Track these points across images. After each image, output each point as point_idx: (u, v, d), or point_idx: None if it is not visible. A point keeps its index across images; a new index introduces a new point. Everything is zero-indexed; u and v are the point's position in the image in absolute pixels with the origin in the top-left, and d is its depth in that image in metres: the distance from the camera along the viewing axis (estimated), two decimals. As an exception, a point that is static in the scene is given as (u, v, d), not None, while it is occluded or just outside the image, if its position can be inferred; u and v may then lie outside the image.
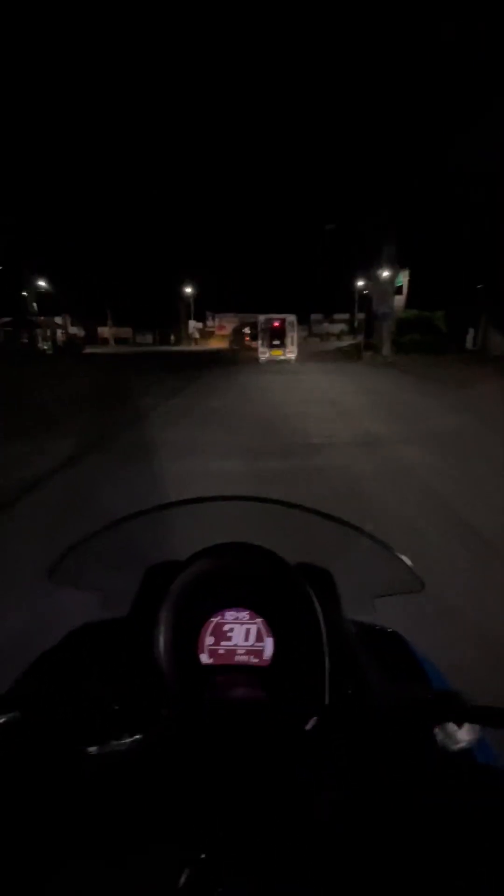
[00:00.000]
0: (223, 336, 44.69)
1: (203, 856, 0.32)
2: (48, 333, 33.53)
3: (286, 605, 0.58)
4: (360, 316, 51.36)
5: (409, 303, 31.91)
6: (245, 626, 0.61)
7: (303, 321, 26.92)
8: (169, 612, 0.55)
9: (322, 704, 0.48)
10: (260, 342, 20.21)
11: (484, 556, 2.89)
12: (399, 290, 30.34)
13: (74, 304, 46.03)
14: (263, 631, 0.61)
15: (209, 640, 0.61)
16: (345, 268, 45.01)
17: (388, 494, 4.00)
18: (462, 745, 0.44)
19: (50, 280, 38.61)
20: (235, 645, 0.60)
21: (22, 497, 3.97)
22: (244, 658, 0.60)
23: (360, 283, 47.31)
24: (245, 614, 0.61)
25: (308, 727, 0.45)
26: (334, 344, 40.77)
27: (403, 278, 30.76)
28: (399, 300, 30.30)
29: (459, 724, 0.45)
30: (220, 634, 0.61)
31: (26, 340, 31.59)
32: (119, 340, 50.49)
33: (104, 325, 51.00)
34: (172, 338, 51.77)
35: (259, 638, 0.61)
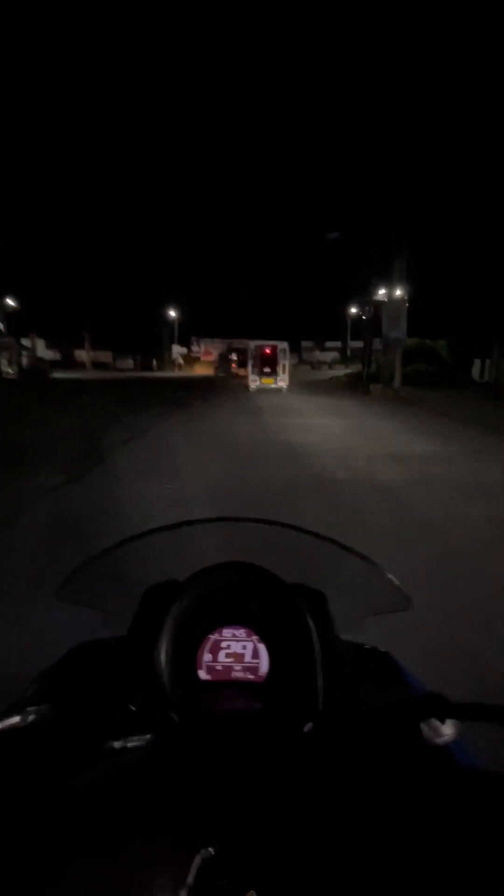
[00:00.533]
0: (209, 362, 41.77)
1: (209, 851, 0.32)
2: (12, 356, 30.06)
3: (281, 623, 0.60)
4: (356, 344, 49.31)
5: (408, 331, 29.31)
6: (241, 644, 0.63)
7: (293, 348, 24.89)
8: (169, 630, 0.58)
9: (316, 711, 0.52)
10: (250, 369, 19.43)
11: None
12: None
13: (50, 325, 42.95)
14: (259, 648, 0.63)
15: (207, 657, 0.63)
16: (337, 293, 42.93)
17: None
18: (445, 739, 0.48)
19: (21, 298, 35.40)
20: (232, 661, 0.63)
21: None
22: (241, 674, 0.63)
23: (354, 311, 45.19)
24: (242, 632, 0.64)
25: (305, 730, 0.50)
26: (327, 373, 37.92)
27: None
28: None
29: (442, 721, 0.49)
30: (217, 651, 0.63)
31: (-14, 363, 28.16)
32: (97, 365, 47.09)
33: (83, 347, 47.75)
34: (155, 363, 48.60)
35: (255, 655, 0.63)
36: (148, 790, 0.39)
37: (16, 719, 0.49)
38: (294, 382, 21.25)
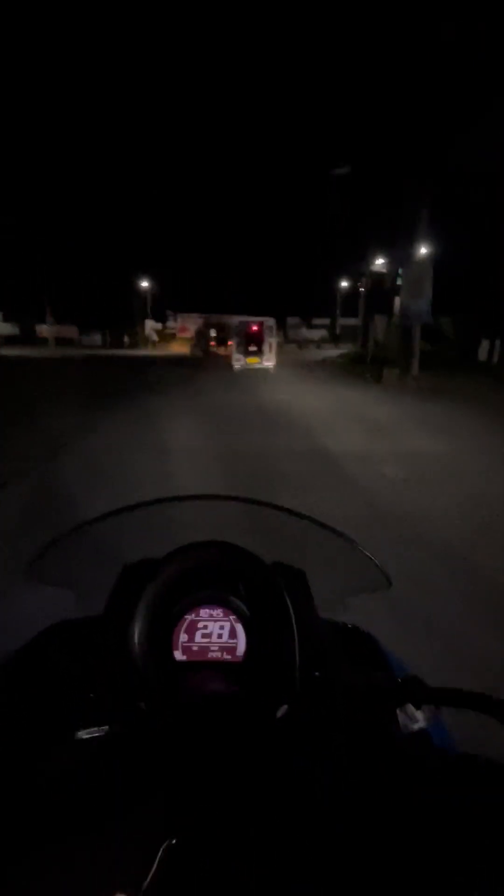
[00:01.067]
0: (186, 339, 37.54)
1: (176, 839, 0.33)
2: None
3: (260, 602, 0.59)
4: (347, 321, 45.52)
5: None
6: (219, 624, 0.62)
7: (278, 326, 21.70)
8: (144, 609, 0.57)
9: (293, 693, 0.51)
10: (235, 348, 18.33)
11: None
12: (396, 291, 24.48)
13: (8, 296, 38.07)
14: (237, 628, 0.62)
15: (183, 637, 0.62)
16: (328, 264, 38.99)
17: None
18: (421, 724, 0.49)
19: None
20: (209, 642, 0.62)
21: None
22: (217, 655, 0.61)
23: (344, 284, 41.35)
24: (219, 611, 0.62)
25: (279, 714, 0.49)
26: (318, 353, 34.16)
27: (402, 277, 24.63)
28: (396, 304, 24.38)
29: (418, 706, 0.49)
30: (194, 632, 0.62)
31: None
32: (62, 341, 42.31)
33: (45, 321, 42.87)
34: (127, 339, 44.03)
35: (232, 635, 0.62)
36: (112, 780, 0.39)
37: None
38: (284, 365, 19.11)
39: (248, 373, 16.89)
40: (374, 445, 6.57)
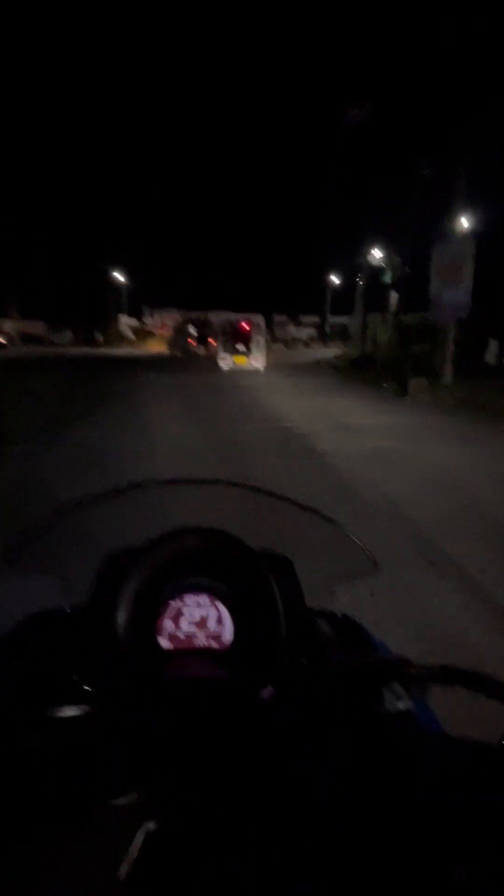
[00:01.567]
0: (164, 337, 34.34)
1: (155, 824, 0.32)
2: None
3: (246, 589, 0.58)
4: (337, 319, 42.81)
5: (406, 305, 23.02)
6: (205, 611, 0.61)
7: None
8: (128, 596, 0.55)
9: (278, 677, 0.51)
10: (221, 346, 17.42)
11: None
12: (395, 287, 21.89)
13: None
14: (223, 615, 0.61)
15: (168, 624, 0.60)
16: (317, 258, 36.33)
17: None
18: (407, 704, 0.48)
19: None
20: (195, 629, 0.61)
21: None
22: (203, 642, 0.60)
23: (335, 280, 38.69)
24: (205, 598, 0.61)
25: (265, 696, 0.49)
26: (308, 354, 31.34)
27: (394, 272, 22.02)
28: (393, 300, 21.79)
29: (406, 685, 0.49)
30: (179, 619, 0.61)
31: None
32: (28, 338, 38.66)
33: (8, 317, 39.16)
34: (100, 337, 40.55)
35: (219, 622, 0.61)
36: (91, 761, 0.38)
37: None
38: (274, 367, 17.29)
39: (235, 378, 14.07)
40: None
